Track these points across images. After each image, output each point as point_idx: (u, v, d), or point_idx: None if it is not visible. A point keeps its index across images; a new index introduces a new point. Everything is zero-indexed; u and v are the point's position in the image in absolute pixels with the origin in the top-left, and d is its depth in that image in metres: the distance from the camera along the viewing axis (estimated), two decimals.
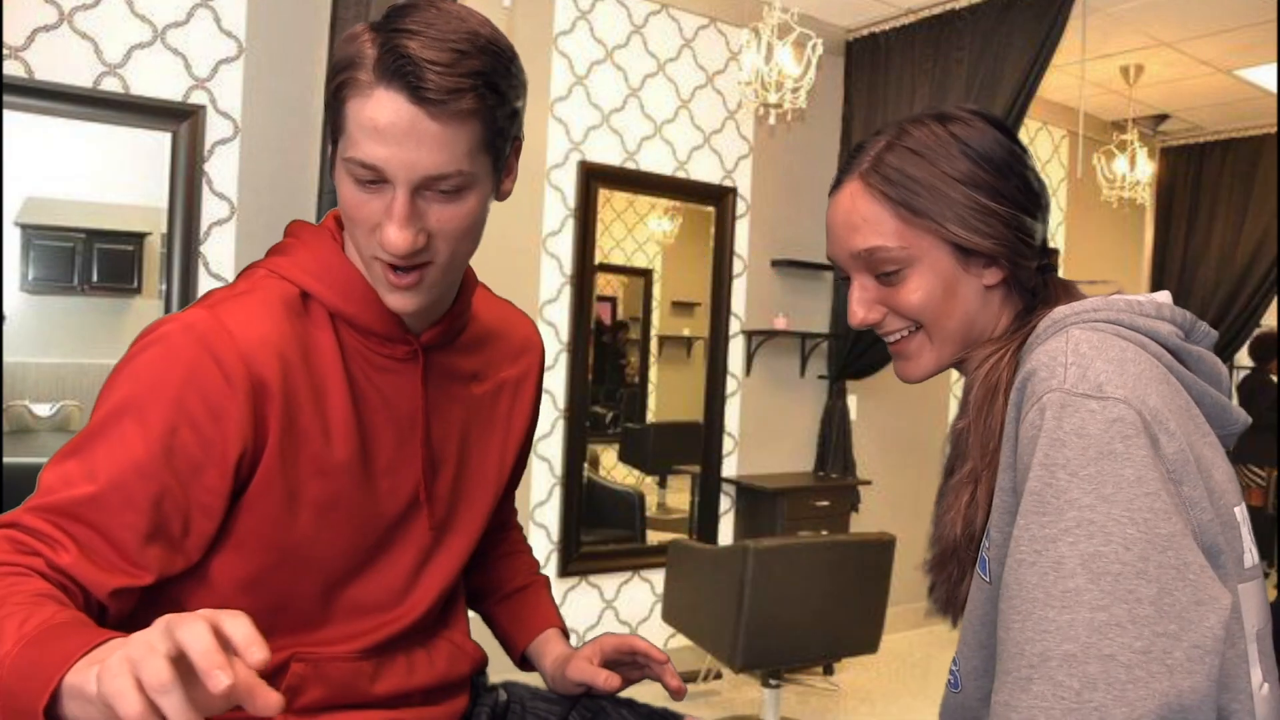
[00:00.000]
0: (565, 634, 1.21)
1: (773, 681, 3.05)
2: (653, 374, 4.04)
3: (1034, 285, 0.96)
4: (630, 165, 3.65)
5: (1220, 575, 0.79)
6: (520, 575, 1.25)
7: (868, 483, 4.18)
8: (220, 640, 0.58)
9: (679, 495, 4.10)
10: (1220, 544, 0.79)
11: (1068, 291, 0.97)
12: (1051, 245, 1.00)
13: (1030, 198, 0.95)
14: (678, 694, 1.12)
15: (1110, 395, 0.77)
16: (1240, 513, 0.85)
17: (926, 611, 1.02)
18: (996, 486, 0.86)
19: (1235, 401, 0.97)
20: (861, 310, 0.98)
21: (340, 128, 0.86)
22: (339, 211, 1.00)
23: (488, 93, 0.84)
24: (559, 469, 3.55)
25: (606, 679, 1.08)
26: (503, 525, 1.29)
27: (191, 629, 0.58)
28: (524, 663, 1.21)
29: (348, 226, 0.91)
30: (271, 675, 0.93)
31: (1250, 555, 0.85)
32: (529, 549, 1.30)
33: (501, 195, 0.95)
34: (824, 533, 3.75)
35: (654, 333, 4.04)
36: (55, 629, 0.68)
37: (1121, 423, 0.76)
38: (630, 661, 1.14)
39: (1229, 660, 0.77)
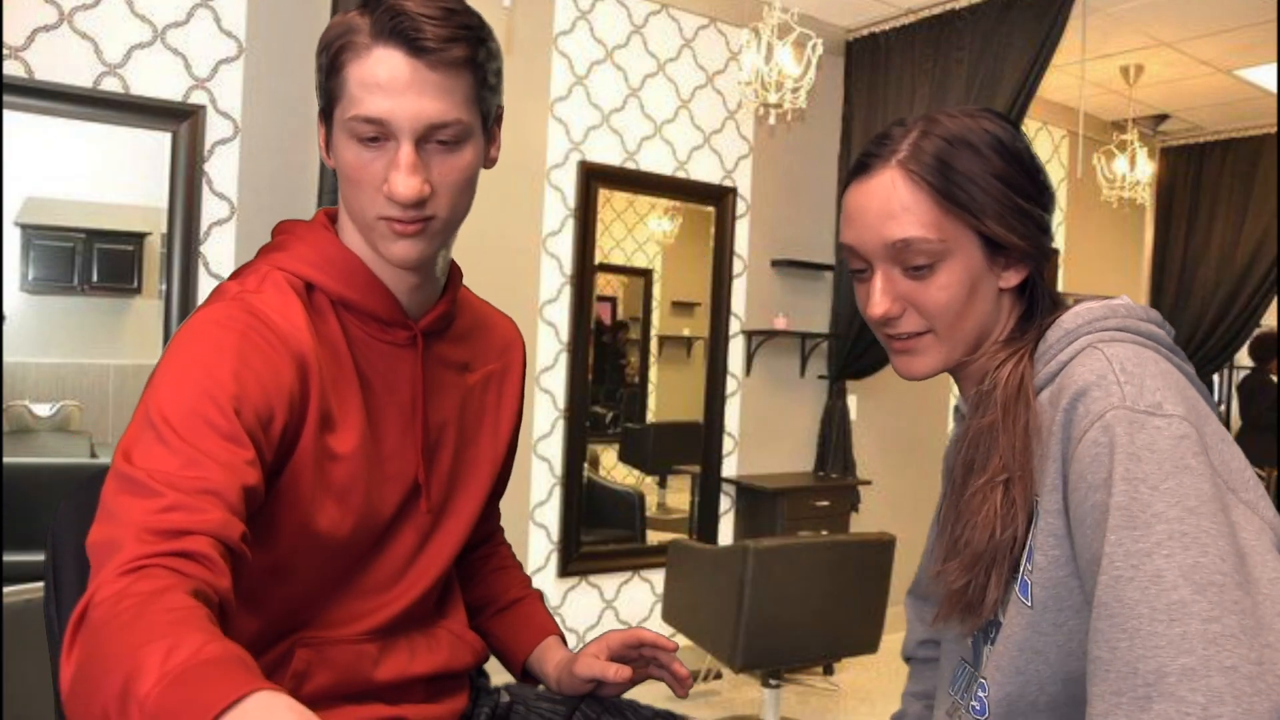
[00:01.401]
0: (564, 642, 1.22)
1: (773, 681, 3.05)
2: (653, 374, 4.04)
3: (1049, 289, 0.96)
4: (630, 165, 3.65)
5: None
6: (514, 589, 1.25)
7: (868, 483, 4.18)
8: None
9: (679, 495, 4.10)
10: None
11: (1053, 298, 0.97)
12: (1051, 246, 1.00)
13: (1050, 202, 0.96)
14: (684, 682, 1.12)
15: (1171, 413, 0.78)
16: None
17: (933, 621, 0.99)
18: (1040, 509, 0.85)
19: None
20: (885, 302, 0.93)
21: (337, 95, 0.90)
22: (332, 208, 1.03)
23: (477, 45, 0.90)
24: (559, 469, 3.55)
25: (616, 671, 1.08)
26: (490, 536, 1.29)
27: None
28: (525, 675, 1.21)
29: (350, 193, 0.93)
30: (278, 661, 0.93)
31: None
32: (519, 564, 1.31)
33: (489, 162, 0.99)
34: (824, 533, 3.75)
35: (654, 333, 4.04)
36: (202, 667, 0.61)
37: (1188, 440, 0.77)
38: (637, 656, 1.14)
39: None
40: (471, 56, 0.89)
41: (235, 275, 0.97)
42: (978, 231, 0.91)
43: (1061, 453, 0.83)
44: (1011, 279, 0.94)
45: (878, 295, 0.93)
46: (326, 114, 0.93)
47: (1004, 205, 0.91)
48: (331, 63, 0.90)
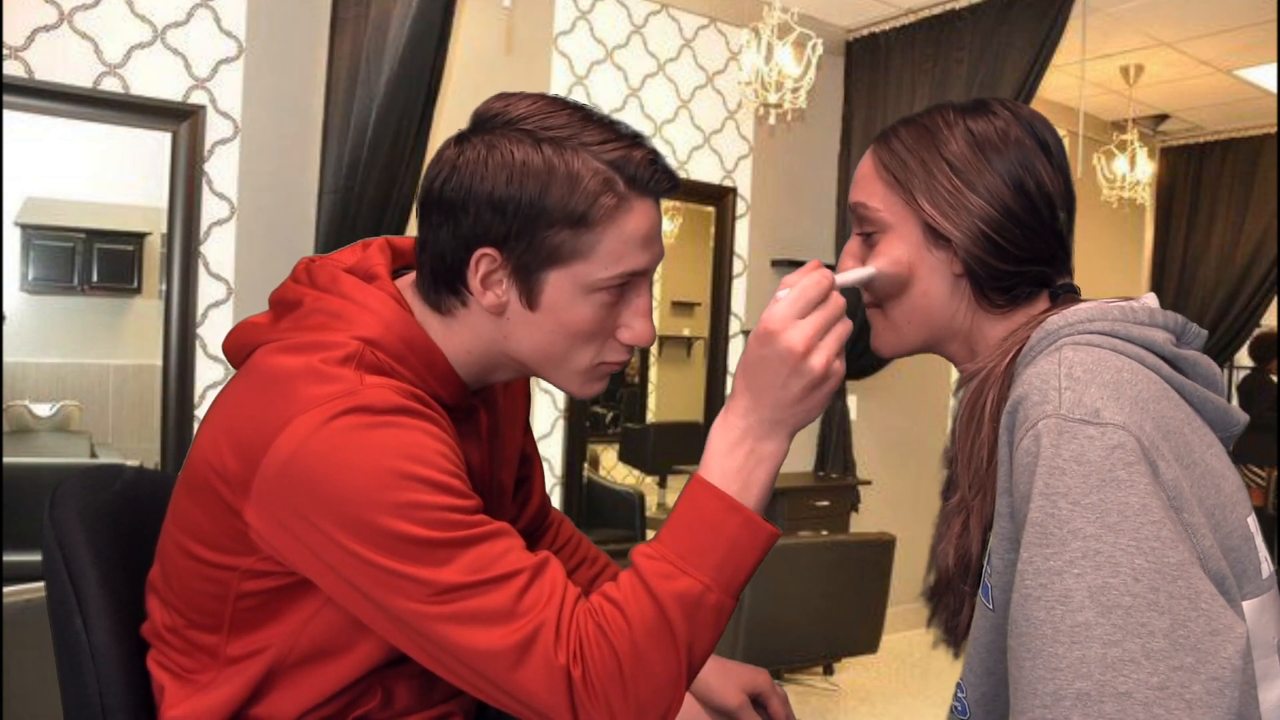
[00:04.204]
0: None
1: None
2: (653, 374, 4.05)
3: (1001, 288, 0.93)
4: None
5: (1229, 599, 0.76)
6: None
7: (868, 483, 4.18)
8: None
9: (679, 495, 4.09)
10: (1225, 569, 0.77)
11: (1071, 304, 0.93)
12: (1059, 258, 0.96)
13: (1028, 201, 0.91)
14: None
15: (1109, 421, 0.75)
16: (1253, 523, 0.83)
17: (934, 643, 1.01)
18: (995, 511, 0.85)
19: (1235, 402, 0.96)
20: (849, 263, 0.99)
21: (577, 252, 0.86)
22: (395, 239, 0.99)
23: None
24: (559, 469, 3.55)
25: None
26: (541, 511, 1.27)
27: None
28: None
29: (569, 346, 0.90)
30: (366, 688, 0.94)
31: (1266, 565, 0.83)
32: (603, 555, 1.30)
33: None
34: (824, 533, 3.75)
35: None
36: (683, 536, 0.82)
37: (1122, 449, 0.74)
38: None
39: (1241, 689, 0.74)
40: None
41: (300, 347, 0.86)
42: (914, 211, 0.93)
43: (1008, 456, 0.81)
44: (960, 266, 0.93)
45: (843, 255, 1.00)
46: (535, 265, 0.86)
47: (946, 190, 0.91)
48: (579, 217, 0.84)
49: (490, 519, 0.82)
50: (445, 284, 0.90)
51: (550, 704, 0.77)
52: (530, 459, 1.23)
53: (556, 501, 3.54)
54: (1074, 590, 0.71)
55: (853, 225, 1.00)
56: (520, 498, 1.22)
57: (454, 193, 0.86)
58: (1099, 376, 0.78)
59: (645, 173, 0.87)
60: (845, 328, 0.85)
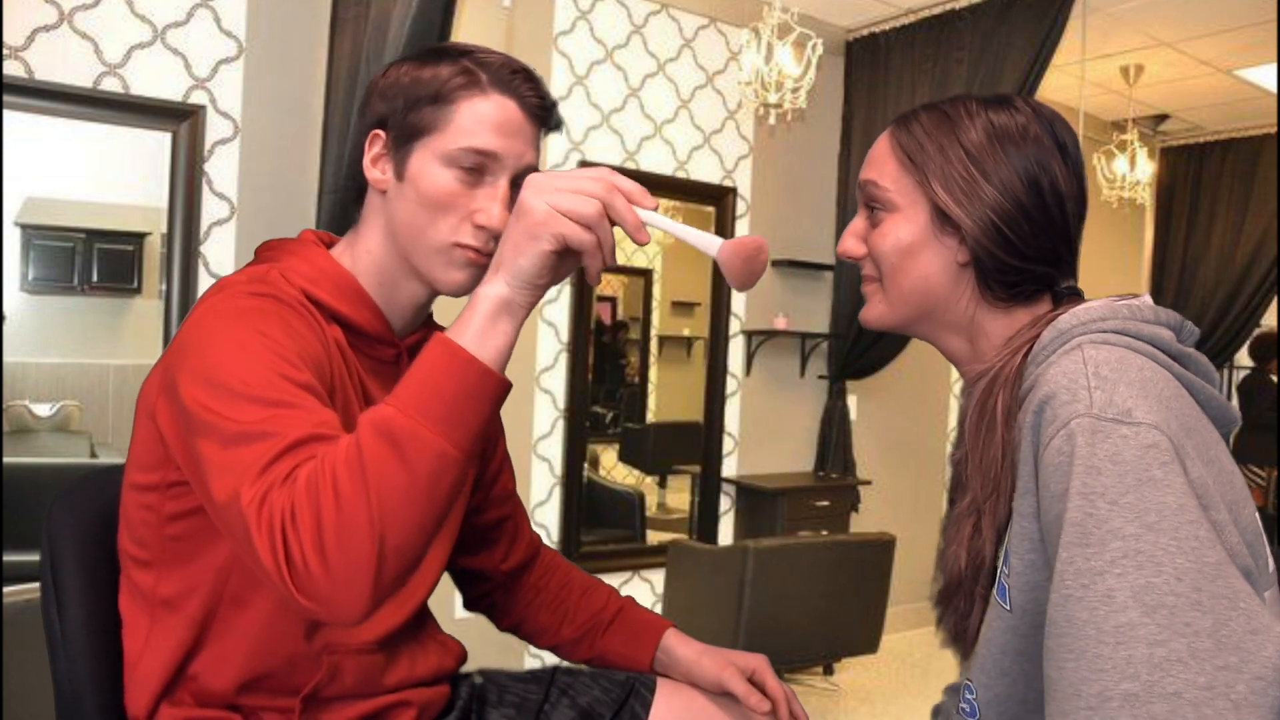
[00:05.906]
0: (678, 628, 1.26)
1: None
2: (653, 374, 4.05)
3: (1005, 282, 0.93)
4: (630, 165, 3.65)
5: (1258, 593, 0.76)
6: (611, 602, 1.29)
7: (868, 483, 4.18)
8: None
9: (679, 495, 4.10)
10: (1250, 565, 0.77)
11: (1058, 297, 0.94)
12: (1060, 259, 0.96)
13: (1040, 199, 0.92)
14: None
15: (1141, 420, 0.75)
16: (1258, 518, 0.84)
17: (941, 643, 1.00)
18: (1015, 511, 0.84)
19: (1235, 401, 0.96)
20: (850, 240, 1.01)
21: (437, 124, 0.98)
22: (321, 233, 1.10)
23: (558, 119, 1.05)
24: (559, 469, 3.55)
25: (758, 702, 1.14)
26: (536, 555, 1.31)
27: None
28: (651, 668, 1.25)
29: (426, 218, 0.98)
30: (311, 661, 0.99)
31: (1271, 561, 0.83)
32: (592, 577, 1.33)
33: None
34: (824, 533, 3.75)
35: (654, 333, 4.04)
36: (418, 382, 0.79)
37: (1156, 449, 0.74)
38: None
39: None
40: (555, 125, 1.04)
41: (250, 271, 0.99)
42: (925, 194, 0.94)
43: (1033, 455, 0.81)
44: (965, 255, 0.94)
45: (846, 233, 1.01)
46: (405, 138, 0.99)
47: (960, 177, 0.92)
48: (439, 94, 0.98)
49: (299, 405, 0.84)
50: (358, 178, 1.05)
51: (255, 526, 0.76)
52: (511, 498, 1.29)
53: (556, 501, 3.55)
54: (1116, 590, 0.71)
55: (859, 203, 1.01)
56: (508, 535, 1.28)
57: (364, 96, 1.05)
58: (1125, 375, 0.78)
59: (504, 73, 0.99)
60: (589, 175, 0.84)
